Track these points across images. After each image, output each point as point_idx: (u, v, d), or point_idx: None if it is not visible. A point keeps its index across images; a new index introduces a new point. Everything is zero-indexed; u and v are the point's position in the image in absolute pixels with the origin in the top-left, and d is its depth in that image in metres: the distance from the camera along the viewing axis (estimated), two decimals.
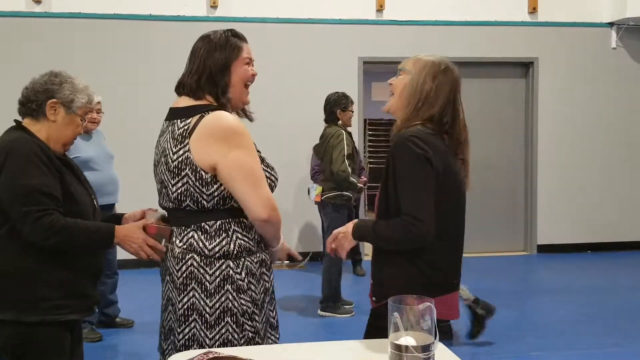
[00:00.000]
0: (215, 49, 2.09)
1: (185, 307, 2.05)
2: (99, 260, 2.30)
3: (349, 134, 5.17)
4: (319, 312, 5.23)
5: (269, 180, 2.11)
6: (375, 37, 7.28)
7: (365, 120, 9.87)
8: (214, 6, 6.91)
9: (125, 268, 5.62)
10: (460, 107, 2.27)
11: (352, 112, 5.29)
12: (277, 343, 2.22)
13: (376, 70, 10.89)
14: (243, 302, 2.06)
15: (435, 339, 1.58)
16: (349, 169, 4.96)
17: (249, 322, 2.07)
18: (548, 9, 7.49)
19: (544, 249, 7.64)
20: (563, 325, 4.87)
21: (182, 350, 2.03)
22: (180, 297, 2.05)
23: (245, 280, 2.07)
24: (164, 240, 2.10)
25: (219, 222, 2.06)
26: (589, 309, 5.32)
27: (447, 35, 7.36)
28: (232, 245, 2.06)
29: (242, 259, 2.08)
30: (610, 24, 7.57)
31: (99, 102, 4.53)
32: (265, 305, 2.18)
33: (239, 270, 2.06)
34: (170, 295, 2.11)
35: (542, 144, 7.59)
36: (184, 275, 2.05)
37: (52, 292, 2.11)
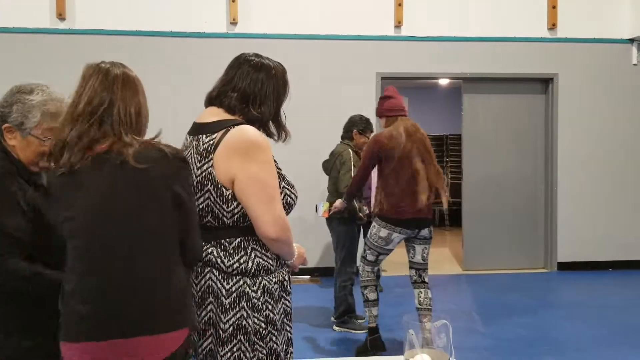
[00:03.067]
0: (278, 82, 2.21)
1: (203, 321, 2.05)
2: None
3: (357, 154, 5.18)
4: (334, 327, 5.22)
5: (288, 198, 2.11)
6: (394, 53, 7.30)
7: None
8: (233, 23, 7.00)
9: None
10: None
11: (368, 139, 5.27)
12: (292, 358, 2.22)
13: (394, 85, 10.95)
14: (257, 321, 2.04)
15: (450, 356, 1.58)
16: None
17: (260, 343, 2.05)
18: (568, 25, 7.47)
19: (565, 266, 7.55)
20: (582, 344, 4.80)
21: None
22: (199, 312, 2.05)
23: (261, 299, 2.06)
24: None
25: (238, 240, 2.06)
26: (609, 328, 5.24)
27: (465, 51, 7.36)
28: (250, 264, 2.05)
29: (260, 278, 2.07)
30: (631, 40, 7.52)
31: None
32: (285, 326, 2.16)
33: (255, 288, 2.05)
34: None
35: (562, 160, 7.53)
36: (202, 289, 2.05)
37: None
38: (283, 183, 2.11)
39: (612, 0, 7.54)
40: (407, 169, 4.17)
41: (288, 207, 2.11)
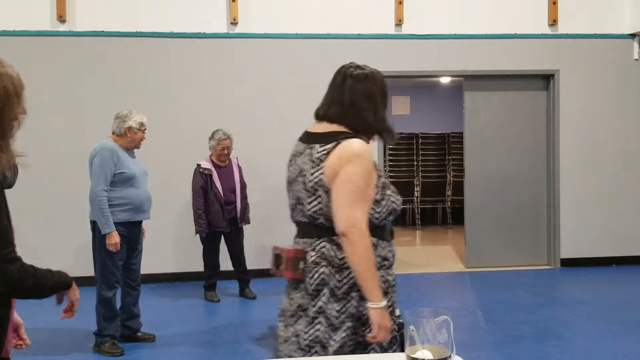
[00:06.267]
0: (379, 88, 2.29)
1: (316, 309, 2.22)
2: None
3: None
4: None
5: (394, 205, 2.26)
6: (394, 52, 7.30)
7: None
8: (234, 23, 7.00)
9: (145, 283, 5.69)
10: None
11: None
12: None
13: (396, 84, 10.96)
14: (363, 309, 2.20)
15: (452, 352, 1.58)
16: None
17: (362, 328, 2.22)
18: (568, 20, 7.46)
19: (568, 262, 7.54)
20: (588, 341, 4.80)
21: (305, 350, 2.22)
22: (314, 302, 2.23)
23: None
24: (301, 263, 2.24)
25: None
26: (614, 323, 5.23)
27: (466, 49, 7.36)
28: None
29: None
30: (632, 36, 7.51)
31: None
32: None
33: None
34: (302, 302, 2.26)
35: (564, 157, 7.53)
36: (317, 282, 2.21)
37: None
38: (389, 191, 2.26)
39: None
40: None
41: (394, 213, 2.28)
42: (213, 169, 6.01)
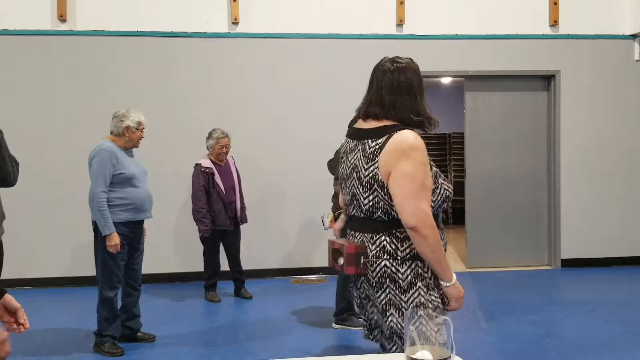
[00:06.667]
0: (417, 77, 2.35)
1: (383, 302, 2.27)
2: None
3: None
4: (333, 324, 5.23)
5: (447, 192, 2.29)
6: (396, 52, 7.24)
7: None
8: (235, 22, 6.99)
9: (146, 283, 5.69)
10: None
11: None
12: None
13: None
14: (434, 297, 2.25)
15: (452, 352, 1.57)
16: None
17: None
18: (569, 21, 7.45)
19: (569, 263, 7.53)
20: (588, 341, 4.79)
21: (390, 339, 2.30)
22: (378, 294, 2.28)
23: (433, 280, 2.25)
24: (362, 257, 2.26)
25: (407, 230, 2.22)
26: (614, 324, 5.22)
27: (467, 49, 7.35)
28: None
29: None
30: (633, 36, 7.51)
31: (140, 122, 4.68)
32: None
33: (426, 269, 2.25)
34: (368, 293, 2.34)
35: (564, 157, 7.52)
36: (379, 275, 2.26)
37: None
38: (440, 180, 2.29)
39: None
40: None
41: (447, 200, 2.32)
42: (214, 168, 6.02)
